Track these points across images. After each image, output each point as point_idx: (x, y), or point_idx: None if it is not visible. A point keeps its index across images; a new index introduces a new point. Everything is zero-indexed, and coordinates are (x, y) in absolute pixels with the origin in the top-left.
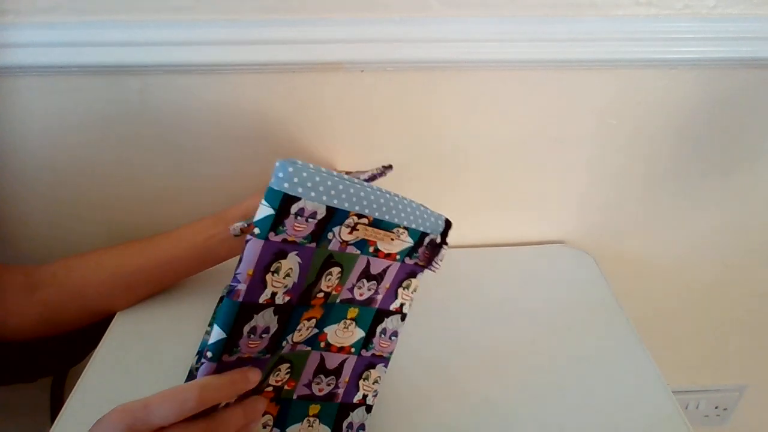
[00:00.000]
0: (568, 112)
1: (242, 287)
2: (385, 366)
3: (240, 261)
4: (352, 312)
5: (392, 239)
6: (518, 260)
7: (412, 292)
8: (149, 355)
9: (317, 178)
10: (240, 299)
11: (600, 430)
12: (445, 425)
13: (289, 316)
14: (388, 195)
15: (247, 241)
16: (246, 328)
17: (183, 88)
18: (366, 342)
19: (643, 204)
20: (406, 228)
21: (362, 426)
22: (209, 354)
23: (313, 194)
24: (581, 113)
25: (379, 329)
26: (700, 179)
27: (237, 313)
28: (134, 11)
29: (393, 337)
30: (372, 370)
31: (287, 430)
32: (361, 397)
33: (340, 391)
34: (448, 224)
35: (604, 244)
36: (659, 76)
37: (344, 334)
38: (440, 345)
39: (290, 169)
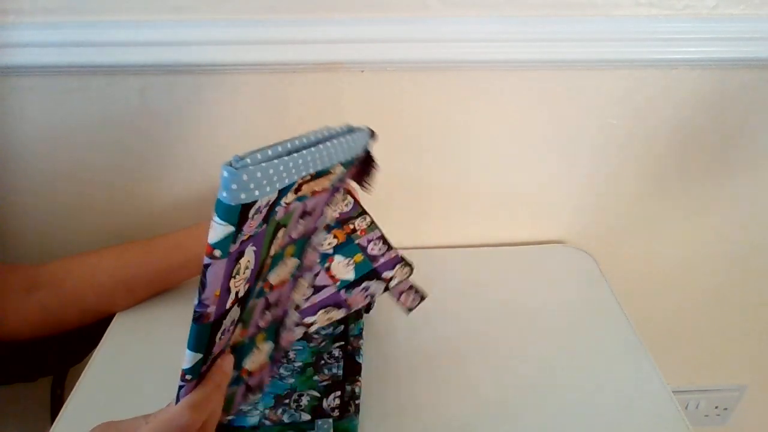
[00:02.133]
0: (569, 112)
1: (212, 309)
2: (346, 312)
3: (203, 286)
4: (359, 257)
5: (329, 179)
6: (518, 260)
7: (405, 273)
8: (149, 355)
9: (270, 171)
10: (210, 320)
11: (600, 430)
12: (445, 425)
13: (247, 297)
14: (322, 145)
15: (208, 265)
16: (217, 337)
17: (183, 88)
18: (350, 286)
19: (643, 204)
20: (341, 163)
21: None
22: (188, 376)
23: (268, 189)
24: (581, 113)
25: (364, 284)
26: (700, 179)
27: (209, 333)
28: (134, 11)
29: (368, 297)
30: (334, 309)
31: (243, 365)
32: (310, 322)
33: (280, 311)
34: (371, 134)
35: (604, 244)
36: (660, 76)
37: (344, 269)
38: (440, 345)
39: (244, 177)
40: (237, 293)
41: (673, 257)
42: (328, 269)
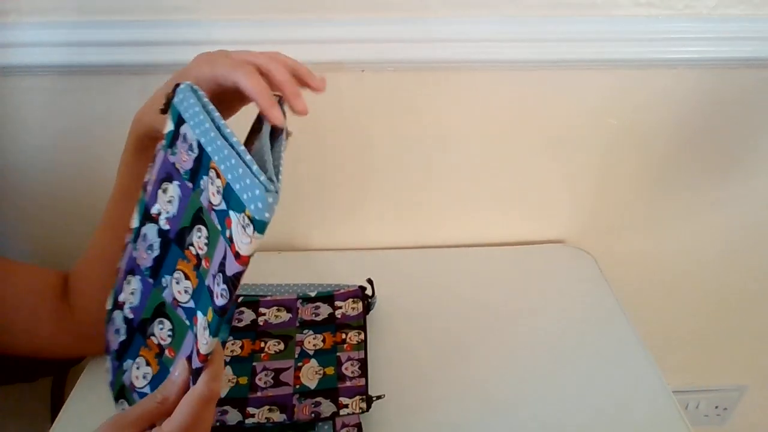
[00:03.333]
0: (569, 112)
1: (149, 188)
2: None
3: (152, 165)
4: (210, 314)
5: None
6: (518, 260)
7: None
8: None
9: (197, 107)
10: (147, 199)
11: (600, 430)
12: (445, 425)
13: (167, 250)
14: (245, 156)
15: (157, 150)
16: (143, 230)
17: None
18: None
19: (643, 204)
20: (251, 219)
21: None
22: (131, 237)
23: (192, 122)
24: (581, 113)
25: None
26: (700, 179)
27: (143, 210)
28: (134, 11)
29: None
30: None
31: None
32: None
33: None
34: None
35: (604, 244)
36: (660, 76)
37: (202, 337)
38: (440, 344)
39: (183, 86)
40: (159, 213)
41: (673, 257)
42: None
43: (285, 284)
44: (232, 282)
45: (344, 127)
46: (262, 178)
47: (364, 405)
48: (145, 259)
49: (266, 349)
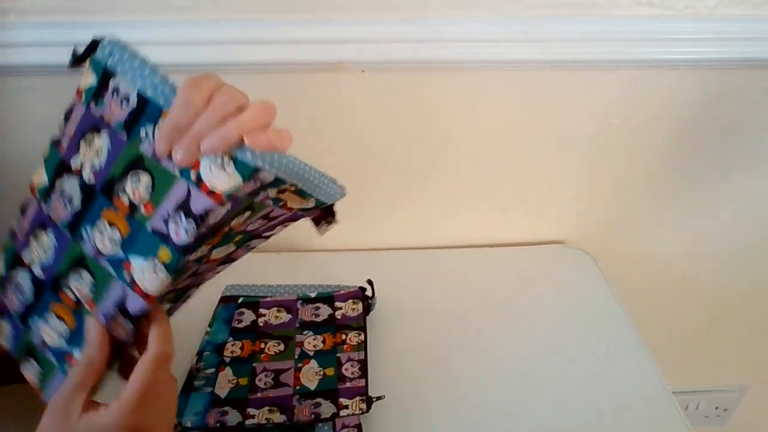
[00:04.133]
0: (569, 112)
1: (64, 143)
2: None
3: (65, 119)
4: (165, 254)
5: (301, 203)
6: (518, 260)
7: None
8: None
9: (135, 61)
10: (61, 155)
11: (600, 430)
12: (445, 424)
13: (91, 202)
14: (313, 170)
15: (73, 104)
16: (58, 185)
17: None
18: (175, 300)
19: (643, 204)
20: (232, 157)
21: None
22: (37, 195)
23: (129, 75)
24: (582, 113)
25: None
26: (700, 179)
27: (56, 166)
28: (134, 11)
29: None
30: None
31: (73, 350)
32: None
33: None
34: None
35: (604, 244)
36: (660, 76)
37: (151, 278)
38: (440, 344)
39: (114, 40)
40: (82, 165)
41: (673, 257)
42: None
43: (285, 285)
44: (201, 218)
45: (344, 127)
46: None
47: (364, 406)
48: (63, 214)
49: (266, 350)
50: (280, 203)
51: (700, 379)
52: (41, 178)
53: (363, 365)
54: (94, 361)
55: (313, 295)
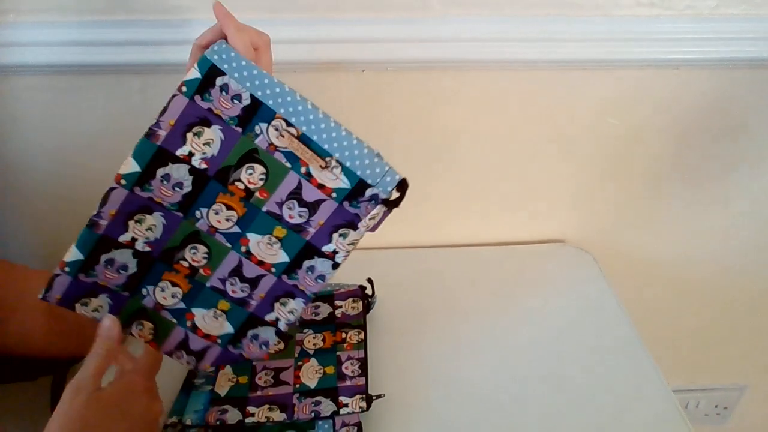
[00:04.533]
0: (569, 111)
1: (162, 133)
2: (305, 302)
3: (163, 111)
4: (279, 231)
5: (322, 167)
6: (518, 260)
7: (348, 244)
8: None
9: (243, 63)
10: (158, 143)
11: (600, 430)
12: (444, 424)
13: (203, 187)
14: (321, 115)
15: (174, 96)
16: (160, 172)
17: None
18: (289, 269)
19: (643, 203)
20: (339, 162)
21: (266, 343)
22: (66, 269)
23: (236, 75)
24: (582, 113)
25: (306, 264)
26: (700, 179)
27: (153, 154)
28: (134, 11)
29: (319, 280)
30: (291, 300)
31: (192, 309)
32: (273, 318)
33: (254, 302)
34: (402, 185)
35: (604, 243)
36: (661, 76)
37: (267, 250)
38: (440, 343)
39: (224, 46)
40: (191, 154)
41: (673, 257)
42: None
43: None
44: (313, 206)
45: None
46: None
47: (363, 404)
48: (170, 196)
49: None
50: (302, 168)
51: (700, 377)
52: (130, 167)
53: (363, 363)
54: (109, 350)
55: None
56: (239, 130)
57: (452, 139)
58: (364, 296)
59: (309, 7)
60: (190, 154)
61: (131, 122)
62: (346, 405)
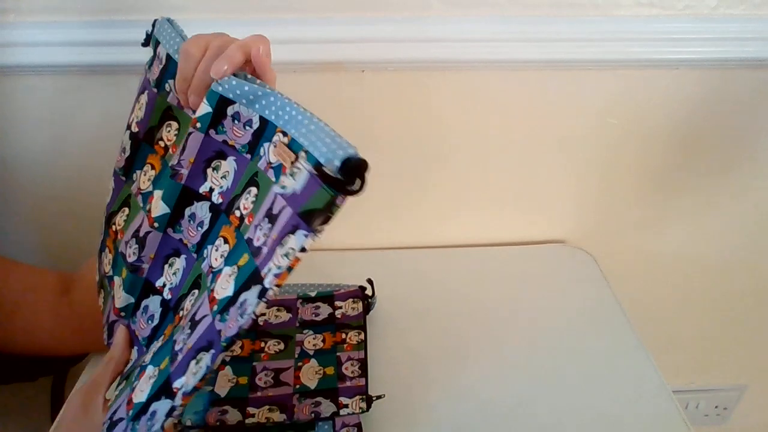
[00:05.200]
0: (569, 111)
1: (184, 172)
2: (186, 259)
3: (182, 150)
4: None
5: (292, 162)
6: (518, 260)
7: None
8: None
9: (246, 88)
10: (182, 182)
11: (600, 430)
12: (444, 425)
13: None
14: (303, 111)
15: (189, 134)
16: (187, 212)
17: None
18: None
19: (643, 204)
20: (306, 151)
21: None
22: (156, 224)
23: (245, 101)
24: (582, 113)
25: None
26: (700, 179)
27: (180, 193)
28: (134, 11)
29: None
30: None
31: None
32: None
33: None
34: (355, 167)
35: (604, 244)
36: (660, 76)
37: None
38: (440, 344)
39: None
40: (212, 190)
41: (673, 257)
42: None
43: (285, 284)
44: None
45: (344, 127)
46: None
47: (364, 405)
48: (194, 237)
49: (266, 349)
50: (281, 176)
51: (700, 378)
52: (159, 208)
53: (363, 364)
54: (116, 361)
55: (313, 294)
56: (248, 156)
57: (452, 138)
58: (364, 297)
59: (309, 7)
60: (211, 190)
61: None
62: (346, 406)
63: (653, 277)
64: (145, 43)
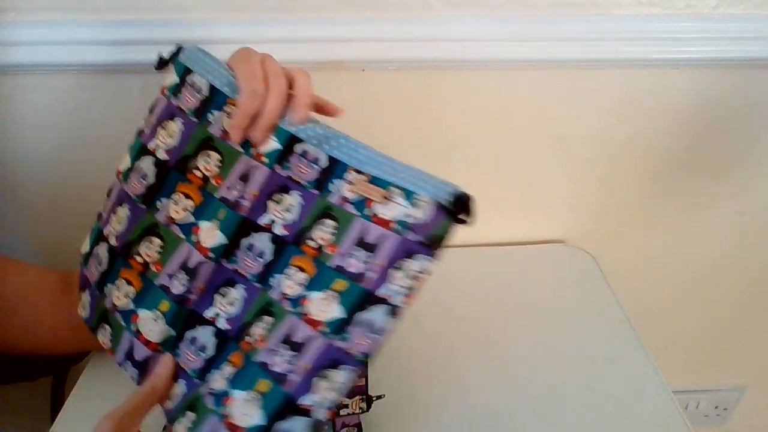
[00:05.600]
0: (569, 111)
1: (246, 204)
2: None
3: (245, 181)
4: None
5: (387, 198)
6: (518, 260)
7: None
8: None
9: (320, 130)
10: (243, 214)
11: (600, 430)
12: (444, 424)
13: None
14: (380, 156)
15: (254, 167)
16: (243, 243)
17: None
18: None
19: (643, 204)
20: (398, 187)
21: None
22: (211, 255)
23: (315, 142)
24: (582, 113)
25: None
26: (700, 179)
27: (237, 224)
28: (134, 10)
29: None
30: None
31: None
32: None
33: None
34: (462, 201)
35: (604, 244)
36: (660, 75)
37: (323, 305)
38: (440, 344)
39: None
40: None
41: (673, 257)
42: (198, 244)
43: None
44: (375, 247)
45: (344, 127)
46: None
47: (364, 405)
48: (253, 267)
49: None
50: (365, 209)
51: (700, 378)
52: (215, 239)
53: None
54: (157, 391)
55: None
56: (316, 192)
57: (452, 138)
58: None
59: (309, 7)
60: (272, 222)
61: (131, 122)
62: (346, 406)
63: (653, 277)
64: (159, 67)
